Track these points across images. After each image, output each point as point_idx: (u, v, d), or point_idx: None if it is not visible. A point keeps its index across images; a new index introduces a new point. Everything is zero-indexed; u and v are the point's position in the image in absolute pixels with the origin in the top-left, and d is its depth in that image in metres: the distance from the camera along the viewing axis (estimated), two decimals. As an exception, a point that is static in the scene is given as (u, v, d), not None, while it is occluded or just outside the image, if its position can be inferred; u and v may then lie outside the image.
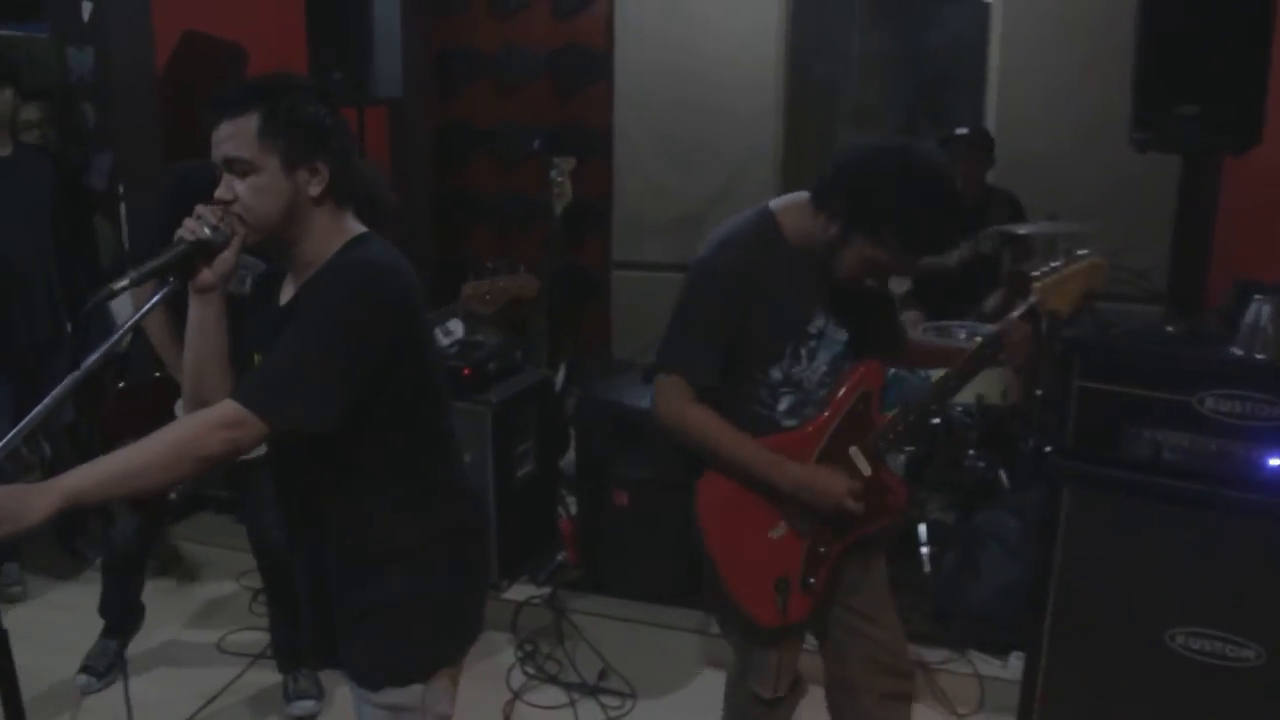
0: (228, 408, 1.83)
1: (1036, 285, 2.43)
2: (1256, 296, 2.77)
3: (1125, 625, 2.91)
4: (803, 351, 2.42)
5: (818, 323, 2.41)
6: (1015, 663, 3.45)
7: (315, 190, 1.95)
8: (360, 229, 2.05)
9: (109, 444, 3.20)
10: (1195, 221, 4.20)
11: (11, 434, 1.77)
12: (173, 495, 3.20)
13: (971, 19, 5.59)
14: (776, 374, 2.42)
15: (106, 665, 3.67)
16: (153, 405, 3.27)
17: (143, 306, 1.93)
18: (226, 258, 1.94)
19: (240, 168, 1.91)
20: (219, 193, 1.93)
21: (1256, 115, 3.27)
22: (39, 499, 1.70)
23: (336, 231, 2.01)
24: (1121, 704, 2.95)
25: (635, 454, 3.93)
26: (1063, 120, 5.10)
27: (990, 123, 5.24)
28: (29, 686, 1.89)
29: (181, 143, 4.96)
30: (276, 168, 1.91)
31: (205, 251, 1.92)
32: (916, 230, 2.21)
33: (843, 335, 2.45)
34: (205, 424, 1.82)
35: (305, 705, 3.53)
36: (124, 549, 3.62)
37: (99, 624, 3.75)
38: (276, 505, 2.21)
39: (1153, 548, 2.86)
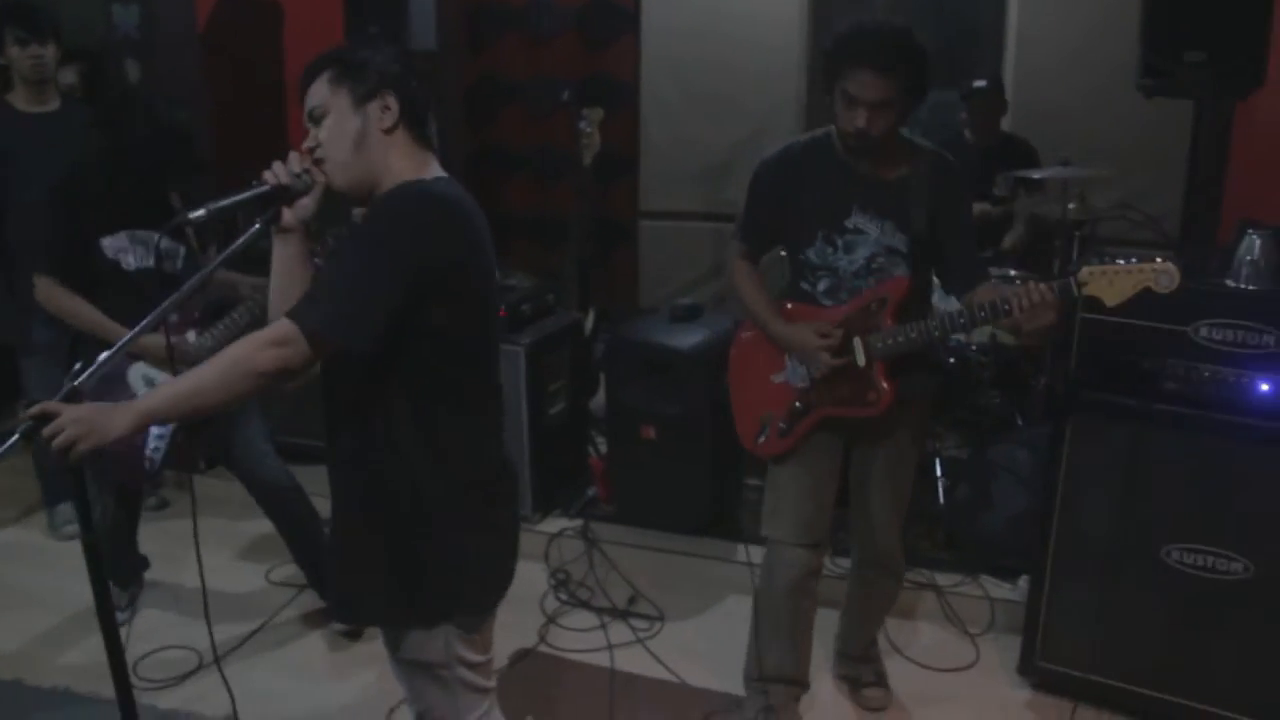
0: (279, 325, 1.91)
1: (1085, 269, 2.55)
2: (1250, 230, 2.93)
3: (1124, 544, 3.10)
4: (839, 241, 2.84)
5: (855, 219, 2.81)
6: (1024, 585, 3.62)
7: (387, 123, 2.03)
8: (441, 173, 2.09)
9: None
10: (1206, 167, 4.31)
11: (108, 353, 1.94)
12: (148, 465, 3.33)
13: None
14: (814, 257, 2.88)
15: (126, 602, 3.90)
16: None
17: None
18: (306, 203, 2.05)
19: (316, 114, 2.05)
20: (305, 142, 2.06)
21: (1260, 60, 3.39)
22: (120, 417, 1.88)
23: (416, 171, 2.06)
24: (1120, 618, 3.13)
25: (663, 391, 4.10)
26: (1080, 72, 5.18)
27: (1008, 75, 5.34)
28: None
29: (223, 97, 5.15)
30: (346, 105, 2.03)
31: (286, 195, 2.03)
32: (840, 42, 2.70)
33: (891, 240, 2.80)
34: (257, 342, 1.90)
35: None
36: (111, 538, 3.77)
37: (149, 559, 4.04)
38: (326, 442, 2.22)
39: (1150, 471, 3.04)
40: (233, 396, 1.93)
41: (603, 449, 4.65)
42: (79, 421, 1.84)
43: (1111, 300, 2.54)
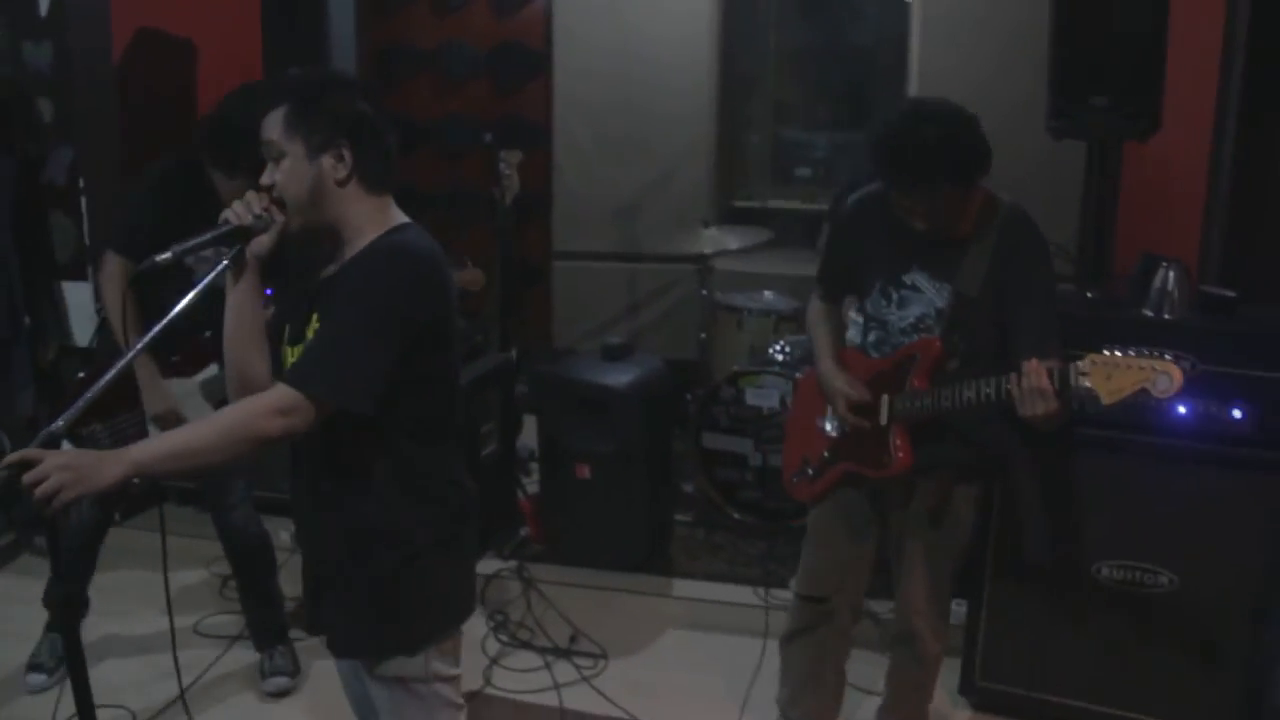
0: (282, 393, 1.94)
1: (1090, 357, 2.31)
2: (1163, 263, 3.11)
3: (1058, 564, 3.23)
4: (893, 295, 2.77)
5: (914, 276, 2.74)
6: (958, 609, 3.71)
7: (340, 174, 2.05)
8: (402, 218, 2.15)
9: (73, 433, 3.30)
10: (1101, 202, 4.54)
11: (79, 403, 1.89)
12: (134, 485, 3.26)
13: (892, 16, 5.90)
14: (869, 308, 2.84)
15: (56, 661, 3.65)
16: (114, 393, 3.37)
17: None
18: (264, 241, 2.06)
19: (272, 152, 2.05)
20: (262, 179, 2.07)
21: (1157, 105, 3.60)
22: (109, 466, 1.84)
23: (375, 218, 2.10)
24: (1057, 635, 3.27)
25: (596, 429, 4.16)
26: (979, 111, 5.36)
27: (910, 114, 5.51)
28: None
29: (137, 137, 5.03)
30: (301, 153, 2.03)
31: (245, 235, 2.05)
32: (878, 161, 2.56)
33: (942, 301, 2.69)
34: (261, 409, 1.93)
35: (279, 682, 3.67)
36: (76, 540, 3.57)
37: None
38: (291, 479, 2.25)
39: (1079, 492, 3.19)
40: (231, 459, 1.93)
41: (530, 489, 4.67)
42: (65, 469, 1.78)
43: (1107, 398, 2.28)
